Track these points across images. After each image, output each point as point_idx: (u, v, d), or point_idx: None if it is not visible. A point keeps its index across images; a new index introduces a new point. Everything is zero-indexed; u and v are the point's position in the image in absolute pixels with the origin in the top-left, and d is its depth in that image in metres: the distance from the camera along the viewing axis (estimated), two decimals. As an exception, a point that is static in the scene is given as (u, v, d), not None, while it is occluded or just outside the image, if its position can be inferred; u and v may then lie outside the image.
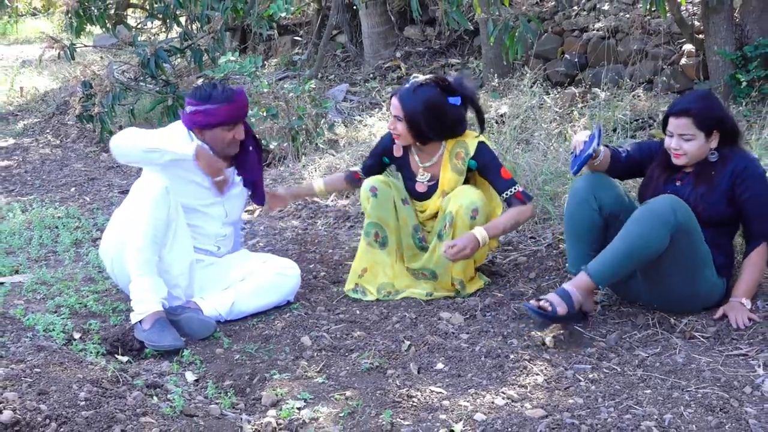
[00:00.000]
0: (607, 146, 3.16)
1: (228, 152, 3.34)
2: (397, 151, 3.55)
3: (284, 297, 3.38)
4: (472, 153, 3.40)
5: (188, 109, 3.27)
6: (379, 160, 3.66)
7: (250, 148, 3.42)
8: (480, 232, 3.28)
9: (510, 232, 3.75)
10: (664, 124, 3.05)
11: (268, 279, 3.33)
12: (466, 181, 3.46)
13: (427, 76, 3.42)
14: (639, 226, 2.82)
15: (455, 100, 3.35)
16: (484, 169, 3.42)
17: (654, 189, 3.09)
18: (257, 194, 3.54)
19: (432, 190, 3.51)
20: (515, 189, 3.36)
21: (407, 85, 3.40)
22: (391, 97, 3.42)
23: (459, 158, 3.42)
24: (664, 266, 2.90)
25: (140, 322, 3.01)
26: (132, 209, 3.12)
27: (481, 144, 3.41)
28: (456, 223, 3.34)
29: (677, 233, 2.81)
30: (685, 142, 2.97)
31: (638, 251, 2.84)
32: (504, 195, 3.38)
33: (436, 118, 3.33)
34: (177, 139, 3.23)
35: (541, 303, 2.92)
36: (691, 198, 2.98)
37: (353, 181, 3.75)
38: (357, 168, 3.79)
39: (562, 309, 2.91)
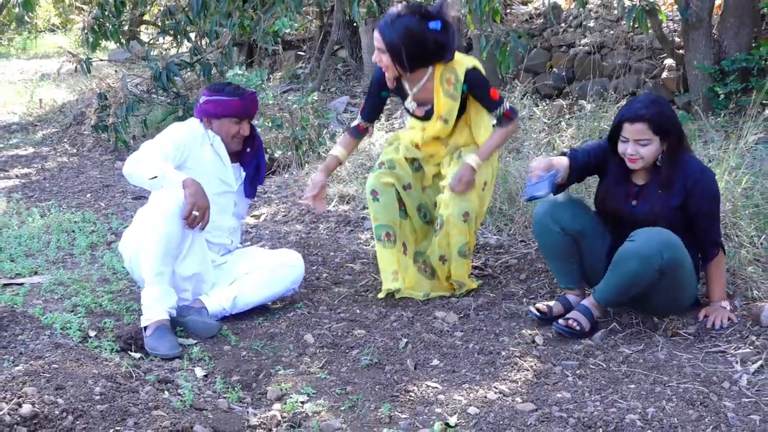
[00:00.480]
0: (564, 154, 3.04)
1: (232, 146, 3.36)
2: (390, 83, 3.41)
3: (289, 287, 3.36)
4: (462, 79, 3.30)
5: (202, 99, 3.33)
6: (378, 96, 3.52)
7: (248, 150, 3.43)
8: (473, 159, 3.27)
9: (500, 149, 3.61)
10: (617, 129, 2.89)
11: (274, 270, 3.30)
12: (463, 104, 3.36)
13: (405, 6, 3.26)
14: (629, 264, 2.77)
15: (435, 25, 3.17)
16: (474, 93, 3.33)
17: (613, 210, 3.00)
18: (246, 187, 3.49)
19: (430, 113, 3.41)
20: (503, 107, 3.33)
21: (386, 17, 3.21)
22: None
23: (450, 84, 3.31)
24: (655, 291, 2.86)
25: (145, 327, 3.02)
26: (151, 216, 3.08)
27: (469, 71, 3.30)
28: (448, 227, 3.33)
29: (665, 267, 2.76)
30: (642, 147, 2.83)
31: (630, 286, 2.82)
32: (494, 114, 3.34)
33: (417, 45, 3.17)
34: (172, 171, 3.09)
35: (569, 322, 2.93)
36: (650, 216, 2.89)
37: (359, 134, 3.60)
38: (357, 121, 3.56)
39: (587, 325, 2.95)
